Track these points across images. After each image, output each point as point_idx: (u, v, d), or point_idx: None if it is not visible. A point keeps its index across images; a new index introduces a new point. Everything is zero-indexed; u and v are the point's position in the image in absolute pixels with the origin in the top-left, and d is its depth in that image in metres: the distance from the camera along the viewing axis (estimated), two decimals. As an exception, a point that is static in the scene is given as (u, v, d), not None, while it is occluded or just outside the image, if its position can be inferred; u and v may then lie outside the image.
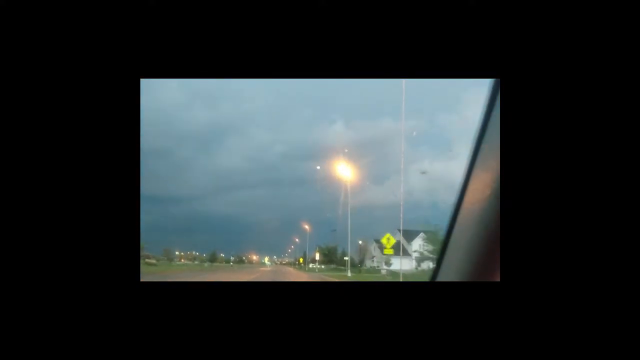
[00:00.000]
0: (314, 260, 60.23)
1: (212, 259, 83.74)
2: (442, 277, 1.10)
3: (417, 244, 36.48)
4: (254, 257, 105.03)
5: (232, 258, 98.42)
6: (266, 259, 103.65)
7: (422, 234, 33.83)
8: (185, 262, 73.47)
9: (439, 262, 1.13)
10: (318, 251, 56.17)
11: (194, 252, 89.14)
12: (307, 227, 62.72)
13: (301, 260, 71.21)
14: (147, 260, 42.62)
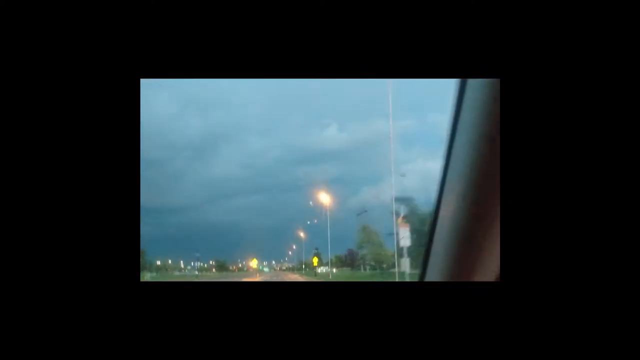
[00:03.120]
0: (350, 259, 37.22)
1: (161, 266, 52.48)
2: (430, 277, 1.10)
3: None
4: (251, 263, 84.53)
5: (197, 265, 72.65)
6: (254, 262, 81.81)
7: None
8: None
9: (424, 263, 1.12)
10: (363, 231, 26.48)
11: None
12: (325, 201, 38.19)
13: (315, 261, 50.96)
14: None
